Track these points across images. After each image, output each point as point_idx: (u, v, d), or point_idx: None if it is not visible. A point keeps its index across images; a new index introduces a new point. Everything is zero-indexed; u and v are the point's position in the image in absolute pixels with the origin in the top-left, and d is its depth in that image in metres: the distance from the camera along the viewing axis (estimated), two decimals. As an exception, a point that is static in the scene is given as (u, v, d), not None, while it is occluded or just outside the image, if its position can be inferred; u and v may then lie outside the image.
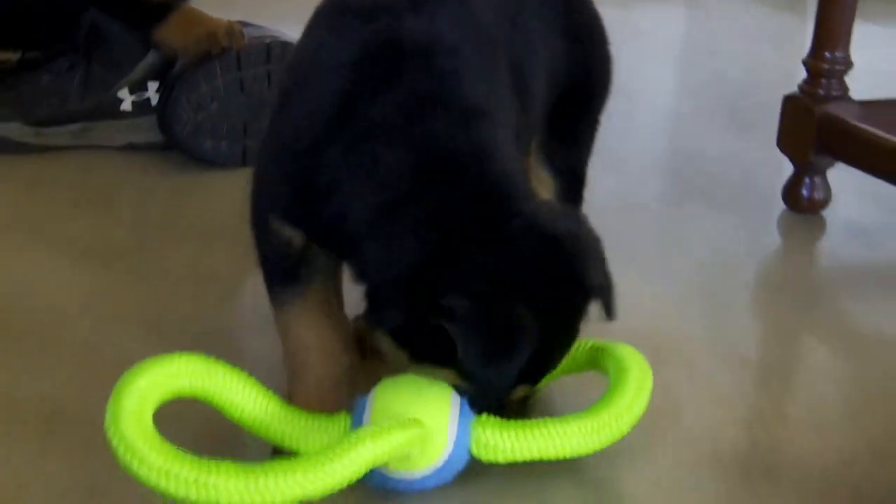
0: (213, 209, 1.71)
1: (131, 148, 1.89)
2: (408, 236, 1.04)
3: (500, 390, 1.07)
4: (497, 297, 1.02)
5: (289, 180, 1.11)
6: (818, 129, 1.71)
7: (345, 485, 0.99)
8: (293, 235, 1.11)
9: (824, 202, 1.79)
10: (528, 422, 1.11)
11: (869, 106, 1.76)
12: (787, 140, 1.76)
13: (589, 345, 1.22)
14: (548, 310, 1.05)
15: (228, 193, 1.75)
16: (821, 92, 1.74)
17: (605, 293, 1.10)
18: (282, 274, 1.15)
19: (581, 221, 1.12)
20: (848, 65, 1.74)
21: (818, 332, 1.48)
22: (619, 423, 1.12)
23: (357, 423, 1.06)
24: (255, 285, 1.51)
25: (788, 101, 1.78)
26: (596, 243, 1.11)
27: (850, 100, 1.75)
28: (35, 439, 1.13)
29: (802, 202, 1.78)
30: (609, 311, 1.11)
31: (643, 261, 1.59)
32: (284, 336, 1.16)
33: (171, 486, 0.96)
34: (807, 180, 1.77)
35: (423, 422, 1.04)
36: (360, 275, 1.09)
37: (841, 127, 1.69)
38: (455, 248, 1.03)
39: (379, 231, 1.05)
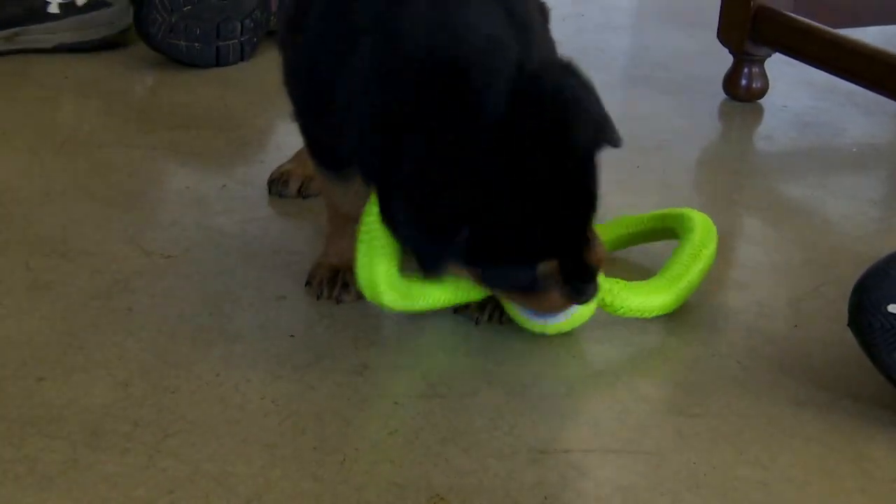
0: (189, 103, 1.81)
1: (61, 49, 1.96)
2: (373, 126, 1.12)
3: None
4: (439, 178, 1.08)
5: (310, 96, 1.23)
6: (754, 19, 1.82)
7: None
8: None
9: (762, 91, 1.90)
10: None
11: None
12: (726, 31, 1.86)
13: (650, 214, 1.38)
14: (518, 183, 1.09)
15: (204, 90, 1.86)
16: (757, -17, 1.84)
17: (601, 127, 1.14)
18: (327, 163, 1.28)
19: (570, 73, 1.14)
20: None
21: (751, 204, 1.60)
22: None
23: None
24: (230, 163, 1.63)
25: (727, -7, 1.89)
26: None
27: (784, -9, 1.86)
28: (25, 297, 1.26)
29: (741, 91, 1.89)
30: (614, 141, 1.16)
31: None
32: (328, 204, 1.31)
33: None
34: (745, 70, 1.88)
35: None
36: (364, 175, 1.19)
37: (775, 17, 1.80)
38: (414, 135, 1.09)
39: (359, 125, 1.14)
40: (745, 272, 1.41)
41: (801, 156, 1.76)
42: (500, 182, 1.08)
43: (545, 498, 1.01)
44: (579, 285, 1.14)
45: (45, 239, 1.37)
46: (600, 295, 1.21)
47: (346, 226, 1.28)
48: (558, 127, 1.10)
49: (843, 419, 1.12)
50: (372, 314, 1.25)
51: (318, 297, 1.28)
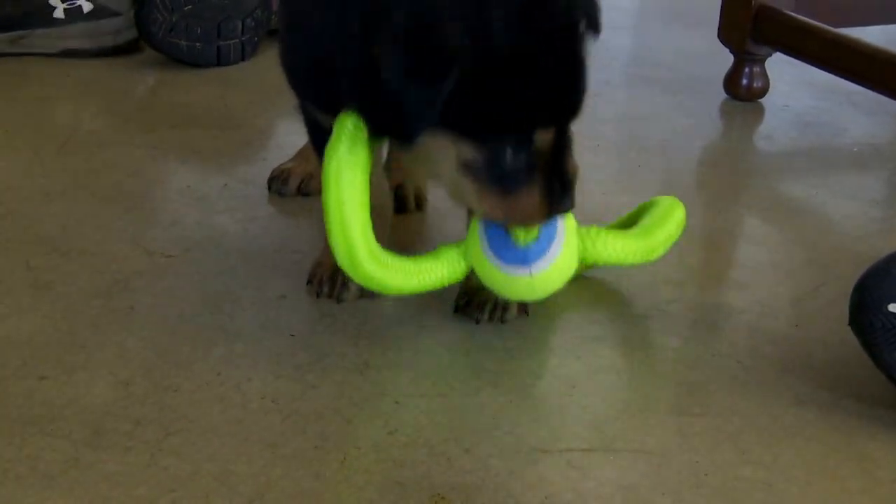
0: (190, 102, 1.82)
1: (67, 55, 1.96)
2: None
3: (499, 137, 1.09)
4: (427, 20, 1.05)
5: (301, 75, 1.22)
6: (755, 18, 1.82)
7: None
8: (324, 118, 1.21)
9: (763, 90, 1.90)
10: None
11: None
12: (727, 30, 1.87)
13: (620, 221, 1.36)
14: (514, 30, 1.06)
15: (205, 89, 1.86)
16: (757, -18, 1.85)
17: (588, 5, 1.13)
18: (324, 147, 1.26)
19: None
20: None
21: (752, 204, 1.60)
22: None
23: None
24: (231, 162, 1.63)
25: (728, -7, 1.89)
26: None
27: (785, -10, 1.86)
28: (26, 296, 1.26)
29: (742, 90, 1.89)
30: (594, 27, 1.14)
31: (596, 143, 1.71)
32: None
33: None
34: (746, 70, 1.88)
35: None
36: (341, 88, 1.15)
37: (776, 16, 1.80)
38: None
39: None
40: (745, 272, 1.41)
41: (802, 155, 1.76)
42: (500, 25, 1.06)
43: (546, 497, 1.00)
44: (557, 188, 1.11)
45: (45, 238, 1.37)
46: (580, 241, 1.20)
47: None
48: None
49: (845, 419, 1.12)
50: (373, 313, 1.25)
51: (319, 296, 1.28)
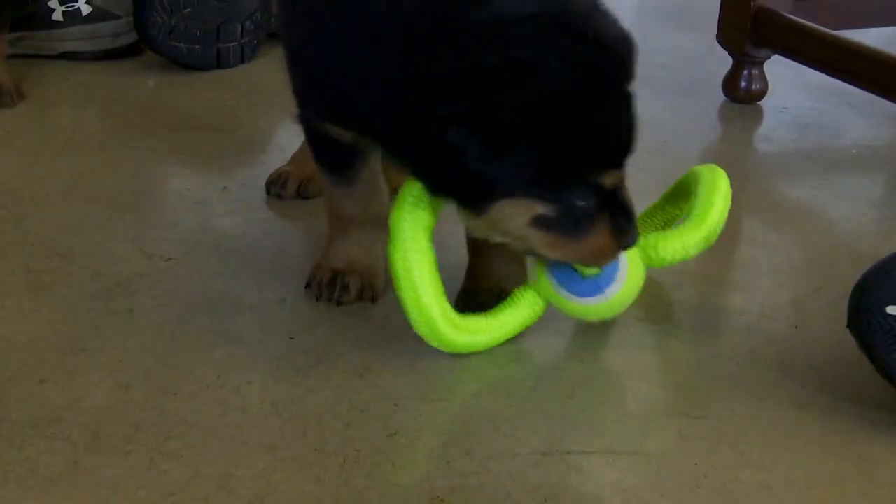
0: (190, 105, 1.82)
1: (66, 57, 1.96)
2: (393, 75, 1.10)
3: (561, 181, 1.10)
4: (490, 90, 1.06)
5: (313, 85, 1.21)
6: (754, 21, 1.82)
7: None
8: (334, 130, 1.21)
9: (762, 92, 1.90)
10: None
11: (802, -2, 1.88)
12: (726, 33, 1.87)
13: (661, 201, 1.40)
14: (565, 83, 1.07)
15: (204, 92, 1.86)
16: (756, -15, 1.85)
17: (626, 43, 1.15)
18: (331, 163, 1.27)
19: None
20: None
21: (752, 206, 1.60)
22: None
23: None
24: (231, 165, 1.63)
25: (727, -5, 1.89)
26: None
27: (784, -7, 1.87)
28: (25, 299, 1.26)
29: (741, 93, 1.90)
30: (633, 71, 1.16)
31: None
32: (329, 206, 1.30)
33: None
34: (745, 72, 1.89)
35: None
36: (388, 149, 1.17)
37: (775, 19, 1.80)
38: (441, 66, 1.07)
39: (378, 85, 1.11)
40: (745, 273, 1.41)
41: (801, 157, 1.77)
42: (562, 86, 1.07)
43: (545, 500, 1.00)
44: (623, 224, 1.13)
45: (45, 240, 1.38)
46: (643, 252, 1.23)
47: (346, 228, 1.29)
48: (612, 42, 1.13)
49: (845, 421, 1.13)
50: (372, 316, 1.26)
51: (318, 299, 1.28)
